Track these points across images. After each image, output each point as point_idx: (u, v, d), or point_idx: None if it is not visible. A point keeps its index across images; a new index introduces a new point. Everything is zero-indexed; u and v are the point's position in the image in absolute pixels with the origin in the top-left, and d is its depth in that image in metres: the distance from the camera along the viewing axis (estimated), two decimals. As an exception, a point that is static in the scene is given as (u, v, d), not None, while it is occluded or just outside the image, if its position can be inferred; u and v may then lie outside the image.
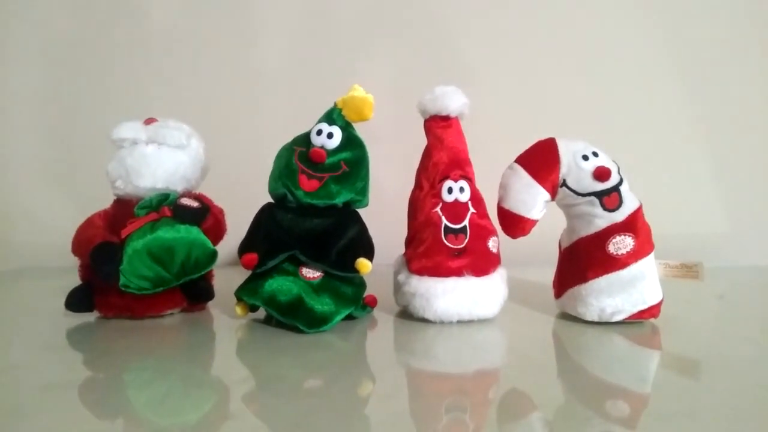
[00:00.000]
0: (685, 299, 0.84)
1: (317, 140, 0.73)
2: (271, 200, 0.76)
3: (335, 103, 0.76)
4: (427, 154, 0.76)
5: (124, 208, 0.76)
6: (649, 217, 0.72)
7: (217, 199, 0.82)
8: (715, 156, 1.26)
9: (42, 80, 1.23)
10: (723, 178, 1.26)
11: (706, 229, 1.26)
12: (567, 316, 0.76)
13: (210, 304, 0.82)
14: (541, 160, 0.74)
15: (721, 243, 1.24)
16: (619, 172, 0.73)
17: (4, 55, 1.22)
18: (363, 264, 0.71)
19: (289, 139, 0.76)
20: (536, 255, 0.87)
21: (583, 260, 0.72)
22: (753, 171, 1.26)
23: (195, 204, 0.76)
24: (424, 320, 0.73)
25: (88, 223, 0.77)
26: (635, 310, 0.70)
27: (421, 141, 0.77)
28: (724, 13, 1.24)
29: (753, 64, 1.24)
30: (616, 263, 0.70)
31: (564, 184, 0.73)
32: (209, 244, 0.74)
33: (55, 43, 1.22)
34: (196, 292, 0.78)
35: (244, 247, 0.72)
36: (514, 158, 0.76)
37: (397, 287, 0.76)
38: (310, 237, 0.71)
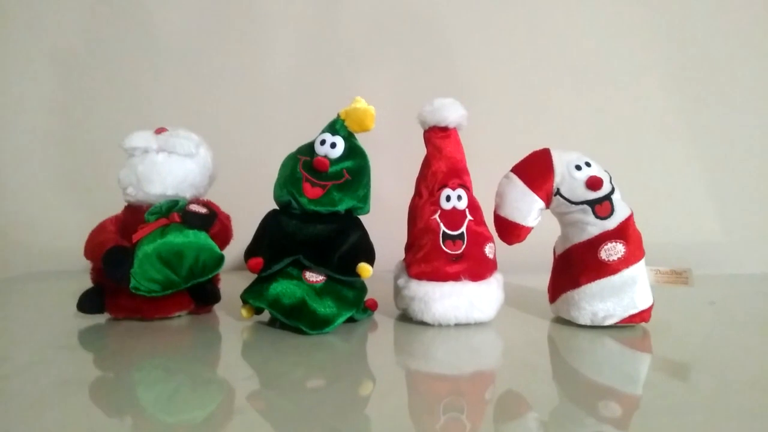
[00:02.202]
0: (676, 305, 0.84)
1: (321, 150, 0.74)
2: (276, 207, 0.76)
3: (338, 114, 0.76)
4: (426, 164, 0.77)
5: (134, 214, 0.76)
6: (642, 225, 0.72)
7: (224, 206, 0.82)
8: (707, 165, 1.25)
9: (54, 88, 1.23)
10: (715, 188, 1.26)
11: (699, 238, 1.25)
12: (561, 320, 0.76)
13: (216, 306, 0.82)
14: (535, 170, 0.74)
15: (713, 251, 1.24)
16: (610, 182, 0.73)
17: (16, 64, 1.22)
18: (364, 268, 0.71)
19: (293, 148, 0.77)
20: (531, 261, 0.87)
21: (576, 266, 0.72)
22: (744, 180, 1.25)
23: (203, 210, 0.76)
24: (423, 323, 0.73)
25: (101, 228, 0.77)
26: (626, 315, 0.70)
27: (421, 151, 0.77)
28: (714, 22, 1.23)
29: (745, 72, 1.24)
30: (607, 269, 0.70)
31: (558, 192, 0.73)
32: (217, 248, 0.74)
33: (65, 52, 1.22)
34: (203, 295, 0.78)
35: (250, 252, 0.72)
36: (510, 168, 0.76)
37: (397, 291, 0.76)
38: (313, 242, 0.71)
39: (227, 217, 0.81)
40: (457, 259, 0.72)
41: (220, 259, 0.75)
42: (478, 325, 0.73)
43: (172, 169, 0.77)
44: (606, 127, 1.23)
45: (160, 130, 0.80)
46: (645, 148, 1.24)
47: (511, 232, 0.75)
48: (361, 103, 0.75)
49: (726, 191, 1.26)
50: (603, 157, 0.76)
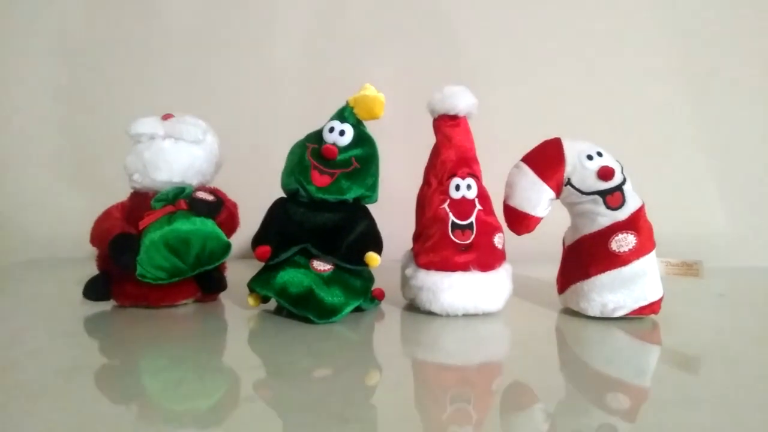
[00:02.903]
0: (685, 296, 0.84)
1: (329, 137, 0.73)
2: (283, 195, 0.76)
3: (347, 101, 0.76)
4: (435, 152, 0.76)
5: (141, 201, 0.76)
6: (652, 217, 0.72)
7: (231, 194, 0.82)
8: (717, 157, 1.25)
9: (57, 75, 1.23)
10: (725, 179, 1.25)
11: (708, 230, 1.25)
12: (569, 311, 0.75)
13: (222, 294, 0.82)
14: (546, 160, 0.74)
15: (722, 243, 1.23)
16: (622, 172, 0.72)
17: (21, 52, 1.22)
18: (372, 257, 0.71)
19: (301, 136, 0.76)
20: (541, 252, 0.87)
21: (586, 257, 0.72)
22: (754, 172, 1.25)
23: (210, 197, 0.76)
24: (431, 313, 0.73)
25: (107, 215, 0.77)
26: (636, 306, 0.70)
27: (430, 139, 0.77)
28: (724, 13, 1.23)
29: (753, 64, 1.23)
30: (618, 260, 0.69)
31: (569, 182, 0.72)
32: (223, 236, 0.74)
33: (70, 40, 1.22)
34: (209, 283, 0.78)
35: (258, 240, 0.72)
36: (521, 157, 0.76)
37: (405, 281, 0.76)
38: (321, 231, 0.71)
39: (234, 205, 0.81)
40: (466, 249, 0.72)
41: (227, 247, 0.75)
42: (486, 315, 0.73)
43: (179, 156, 0.77)
44: (617, 117, 1.22)
45: (166, 117, 0.80)
46: (656, 139, 1.23)
47: (520, 222, 0.75)
48: (370, 90, 0.75)
49: (736, 183, 1.25)
50: (614, 148, 0.75)
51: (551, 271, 0.79)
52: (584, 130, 0.79)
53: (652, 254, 0.71)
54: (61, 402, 0.46)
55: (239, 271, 0.82)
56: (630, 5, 1.23)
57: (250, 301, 0.73)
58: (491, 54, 1.23)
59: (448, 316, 0.72)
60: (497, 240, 0.74)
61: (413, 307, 0.76)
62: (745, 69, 1.23)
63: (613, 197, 0.71)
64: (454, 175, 0.74)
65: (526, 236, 0.76)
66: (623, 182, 0.72)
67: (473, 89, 0.76)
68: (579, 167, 0.72)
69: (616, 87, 1.23)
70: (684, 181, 1.25)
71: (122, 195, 0.80)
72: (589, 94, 1.22)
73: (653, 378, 0.56)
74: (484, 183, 0.76)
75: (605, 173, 0.70)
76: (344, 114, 0.75)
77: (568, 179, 0.72)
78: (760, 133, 1.24)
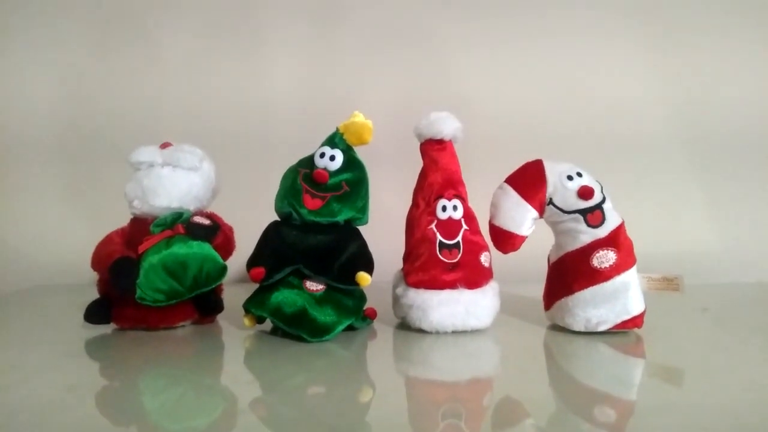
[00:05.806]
0: (668, 311, 0.83)
1: (320, 162, 0.73)
2: (277, 218, 0.76)
3: (337, 128, 0.76)
4: (422, 175, 0.76)
5: (140, 226, 0.75)
6: (635, 234, 0.72)
7: (227, 218, 0.81)
8: (697, 174, 1.25)
9: (60, 103, 1.22)
10: (706, 197, 1.25)
11: (690, 246, 1.24)
12: (556, 327, 0.75)
13: (219, 316, 0.81)
14: (529, 181, 0.74)
15: (705, 260, 1.23)
16: (601, 191, 0.72)
17: (21, 78, 1.22)
18: (363, 277, 0.70)
19: (294, 161, 0.76)
20: (527, 271, 0.86)
21: (569, 274, 0.71)
22: (735, 188, 1.24)
23: (207, 222, 0.76)
24: (421, 331, 0.72)
25: (107, 240, 0.76)
26: (619, 320, 0.70)
27: (418, 163, 0.77)
28: (709, 30, 1.23)
29: (740, 80, 1.24)
30: (599, 276, 0.69)
31: (551, 202, 0.72)
32: (220, 259, 0.74)
33: (71, 68, 1.22)
34: (207, 305, 0.77)
35: (252, 262, 0.71)
36: (504, 179, 0.76)
37: (396, 300, 0.75)
38: (313, 252, 0.71)
39: (230, 229, 0.81)
40: (454, 267, 0.71)
41: (223, 269, 0.74)
42: (475, 332, 0.72)
43: (177, 183, 0.77)
44: (599, 138, 1.22)
45: (165, 145, 0.80)
46: (639, 158, 1.23)
47: (505, 241, 0.74)
48: (359, 117, 0.75)
49: (717, 200, 1.25)
50: (596, 168, 0.75)
51: (537, 289, 0.79)
52: (566, 151, 0.79)
53: (633, 270, 0.71)
54: (63, 422, 0.45)
55: (236, 294, 0.81)
56: (614, 26, 1.24)
57: (246, 321, 0.72)
58: (475, 81, 1.23)
59: (437, 333, 0.71)
60: (484, 258, 0.74)
61: (405, 326, 0.75)
62: (731, 85, 1.24)
63: (593, 215, 0.71)
64: (440, 196, 0.74)
65: (512, 255, 0.76)
66: (603, 201, 0.72)
67: (458, 114, 0.76)
68: (560, 187, 0.72)
69: (598, 107, 1.23)
70: (666, 198, 1.24)
71: (124, 222, 0.79)
72: (570, 117, 1.22)
73: (638, 390, 0.55)
74: (470, 204, 0.76)
75: (585, 192, 0.71)
76: (334, 140, 0.75)
77: (550, 199, 0.72)
78: (745, 148, 1.24)
